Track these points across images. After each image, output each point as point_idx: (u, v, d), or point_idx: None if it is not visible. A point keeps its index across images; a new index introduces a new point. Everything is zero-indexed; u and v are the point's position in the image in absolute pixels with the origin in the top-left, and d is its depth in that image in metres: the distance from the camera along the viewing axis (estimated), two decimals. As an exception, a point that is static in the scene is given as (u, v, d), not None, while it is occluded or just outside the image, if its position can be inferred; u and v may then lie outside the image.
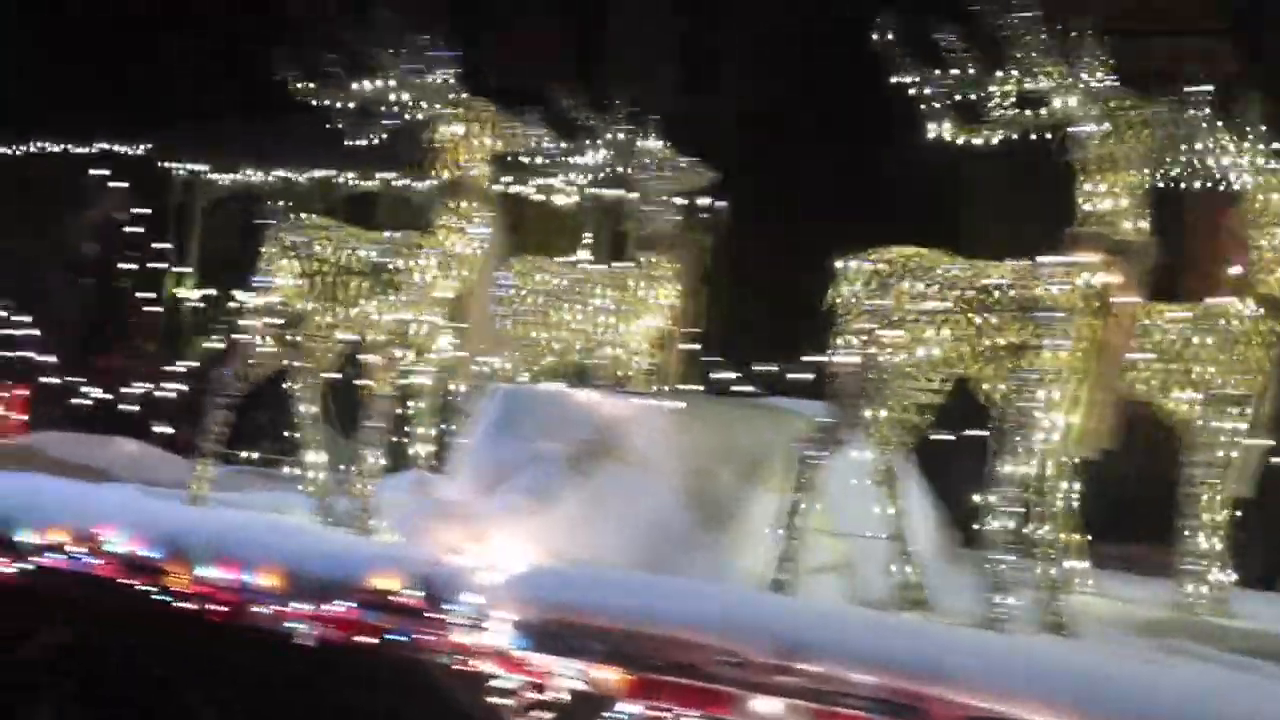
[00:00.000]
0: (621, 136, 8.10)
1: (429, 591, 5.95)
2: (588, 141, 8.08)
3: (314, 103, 7.26)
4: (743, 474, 6.57)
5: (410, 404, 7.44)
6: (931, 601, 6.30)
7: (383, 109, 7.28)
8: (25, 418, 9.88)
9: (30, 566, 6.79)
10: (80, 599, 6.71)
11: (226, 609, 6.35)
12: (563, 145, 7.68)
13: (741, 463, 6.59)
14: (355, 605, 6.09)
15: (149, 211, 9.38)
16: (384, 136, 7.35)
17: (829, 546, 6.49)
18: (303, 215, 7.71)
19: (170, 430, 9.51)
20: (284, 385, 7.63)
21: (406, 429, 7.61)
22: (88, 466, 9.27)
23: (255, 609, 6.29)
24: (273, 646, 6.21)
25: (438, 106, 7.24)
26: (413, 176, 11.39)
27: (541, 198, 11.58)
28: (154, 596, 6.48)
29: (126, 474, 9.15)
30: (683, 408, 6.81)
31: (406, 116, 7.28)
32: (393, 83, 7.23)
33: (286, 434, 7.84)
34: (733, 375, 7.51)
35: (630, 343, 8.08)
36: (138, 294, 9.71)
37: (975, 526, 6.02)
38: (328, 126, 7.33)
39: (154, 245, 10.07)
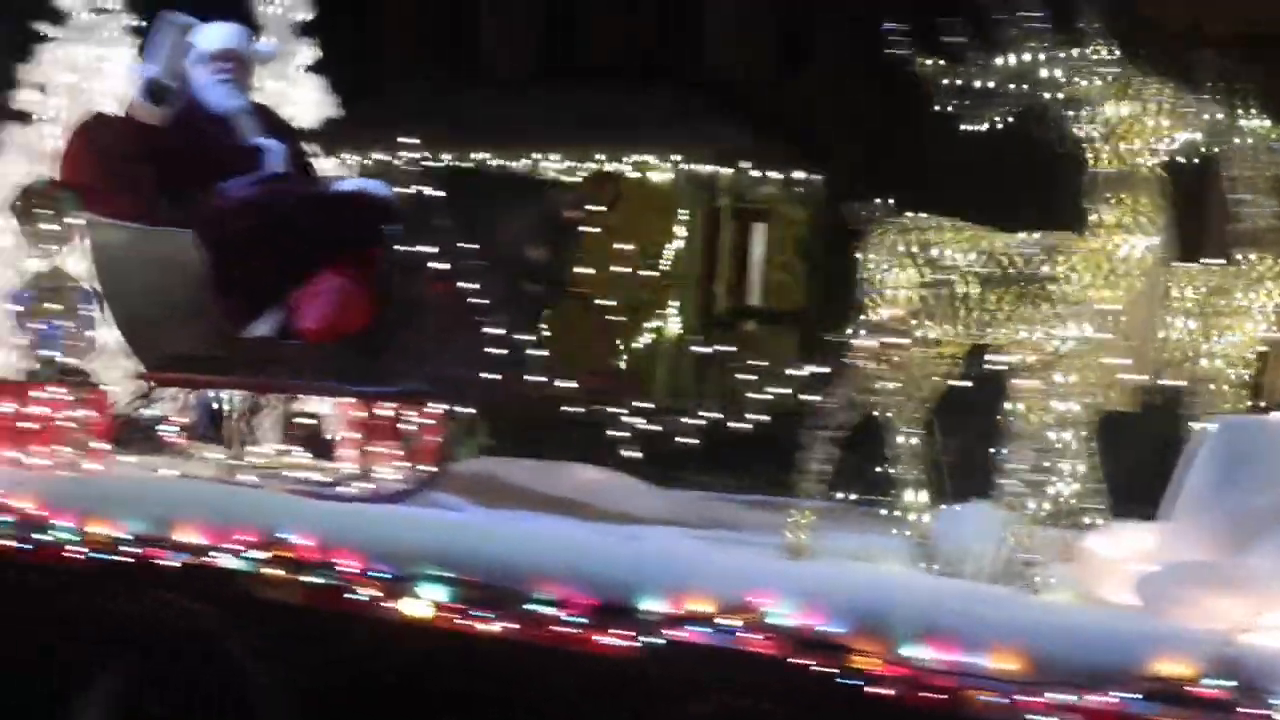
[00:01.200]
0: (1219, 113, 6.96)
1: (1239, 680, 4.85)
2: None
3: (942, 82, 6.19)
4: None
5: (1053, 435, 6.27)
6: None
7: (1017, 88, 6.19)
8: (439, 440, 8.88)
9: (659, 642, 5.71)
10: (733, 681, 5.63)
11: (943, 697, 5.26)
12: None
13: None
14: (1125, 696, 4.99)
15: (605, 209, 8.26)
16: (1009, 119, 6.26)
17: None
18: (911, 214, 6.57)
19: (638, 454, 8.43)
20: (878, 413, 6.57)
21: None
22: (549, 497, 8.33)
23: (984, 698, 5.20)
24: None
25: (1097, 83, 6.12)
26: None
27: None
28: (837, 680, 5.40)
29: (599, 505, 8.21)
30: None
31: (1048, 95, 6.18)
32: (1042, 56, 6.13)
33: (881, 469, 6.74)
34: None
35: (1226, 355, 6.94)
36: (601, 303, 8.62)
37: None
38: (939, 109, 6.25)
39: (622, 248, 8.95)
